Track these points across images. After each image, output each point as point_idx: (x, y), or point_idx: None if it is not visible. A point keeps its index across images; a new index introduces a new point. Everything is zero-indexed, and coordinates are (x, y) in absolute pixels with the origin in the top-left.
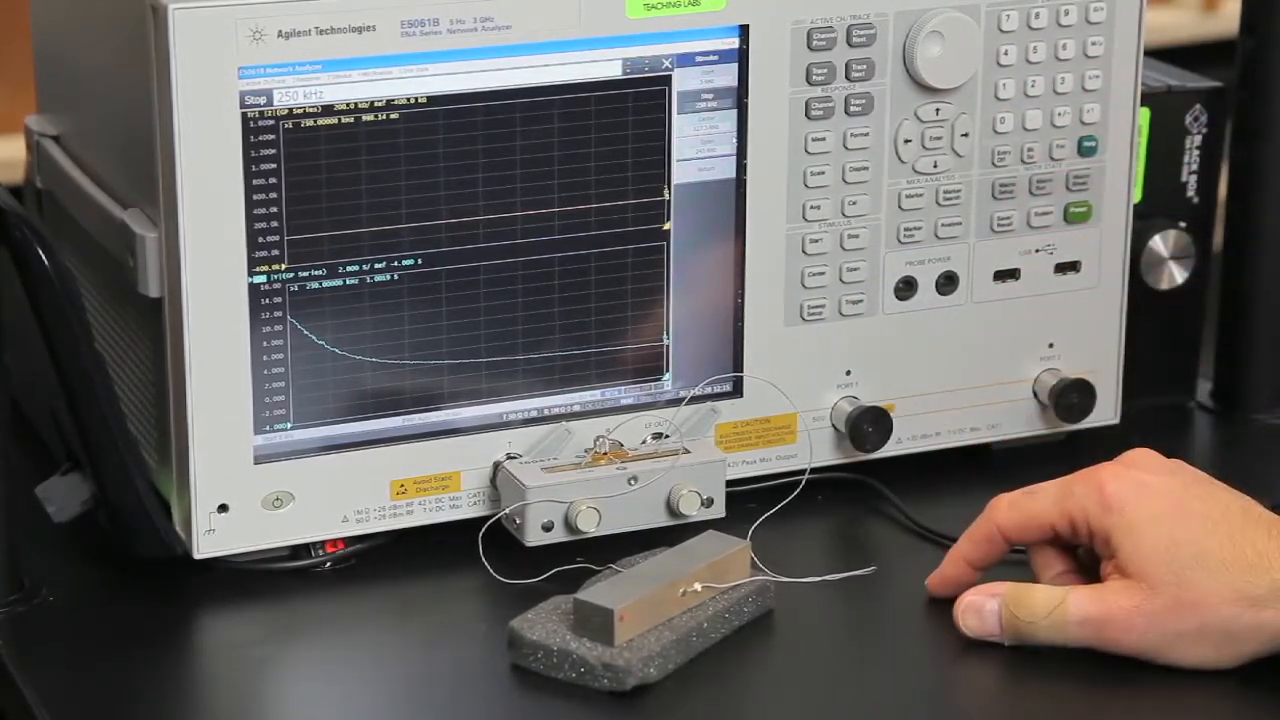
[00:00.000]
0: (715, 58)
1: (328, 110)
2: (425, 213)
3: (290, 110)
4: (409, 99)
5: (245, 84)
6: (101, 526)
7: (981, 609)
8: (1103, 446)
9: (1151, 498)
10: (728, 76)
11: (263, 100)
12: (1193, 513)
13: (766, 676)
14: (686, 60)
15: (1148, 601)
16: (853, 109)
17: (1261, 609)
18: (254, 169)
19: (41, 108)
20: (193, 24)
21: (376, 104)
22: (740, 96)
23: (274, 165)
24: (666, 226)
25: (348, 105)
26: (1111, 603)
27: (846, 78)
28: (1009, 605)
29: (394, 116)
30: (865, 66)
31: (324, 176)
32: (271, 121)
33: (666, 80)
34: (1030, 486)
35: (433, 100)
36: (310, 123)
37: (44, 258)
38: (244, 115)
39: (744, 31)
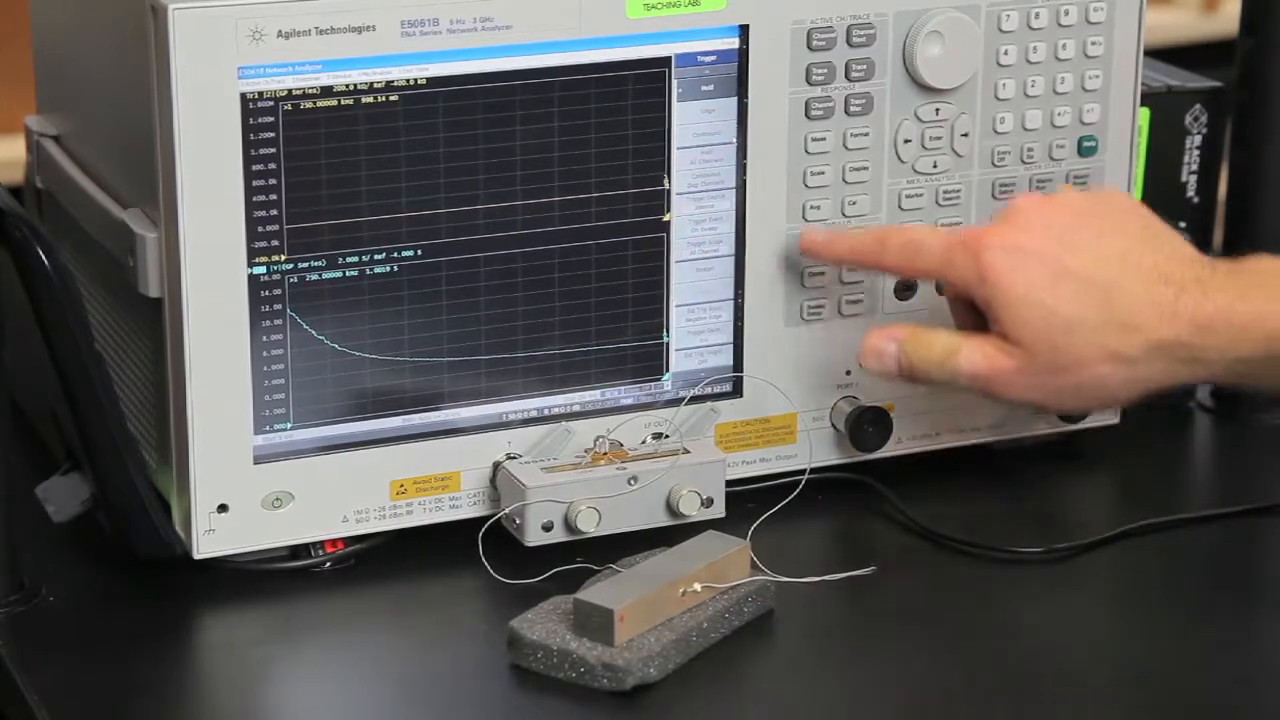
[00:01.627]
0: (715, 58)
1: (326, 92)
2: (424, 201)
3: (290, 92)
4: (408, 81)
5: (245, 84)
6: (101, 526)
7: (883, 353)
8: (1103, 446)
9: (1025, 266)
10: (728, 76)
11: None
12: (1067, 275)
13: (766, 676)
14: (687, 60)
15: (1027, 365)
16: (853, 109)
17: (1134, 366)
18: (253, 153)
19: (41, 108)
20: (193, 24)
21: (376, 85)
22: (740, 96)
23: (273, 150)
24: (667, 218)
25: (347, 87)
26: (996, 362)
27: (846, 78)
28: (906, 350)
29: (393, 99)
30: (865, 66)
31: (323, 162)
32: (271, 103)
33: (666, 78)
34: (918, 237)
35: (432, 82)
36: (309, 104)
37: (44, 258)
38: (243, 97)
39: (744, 31)
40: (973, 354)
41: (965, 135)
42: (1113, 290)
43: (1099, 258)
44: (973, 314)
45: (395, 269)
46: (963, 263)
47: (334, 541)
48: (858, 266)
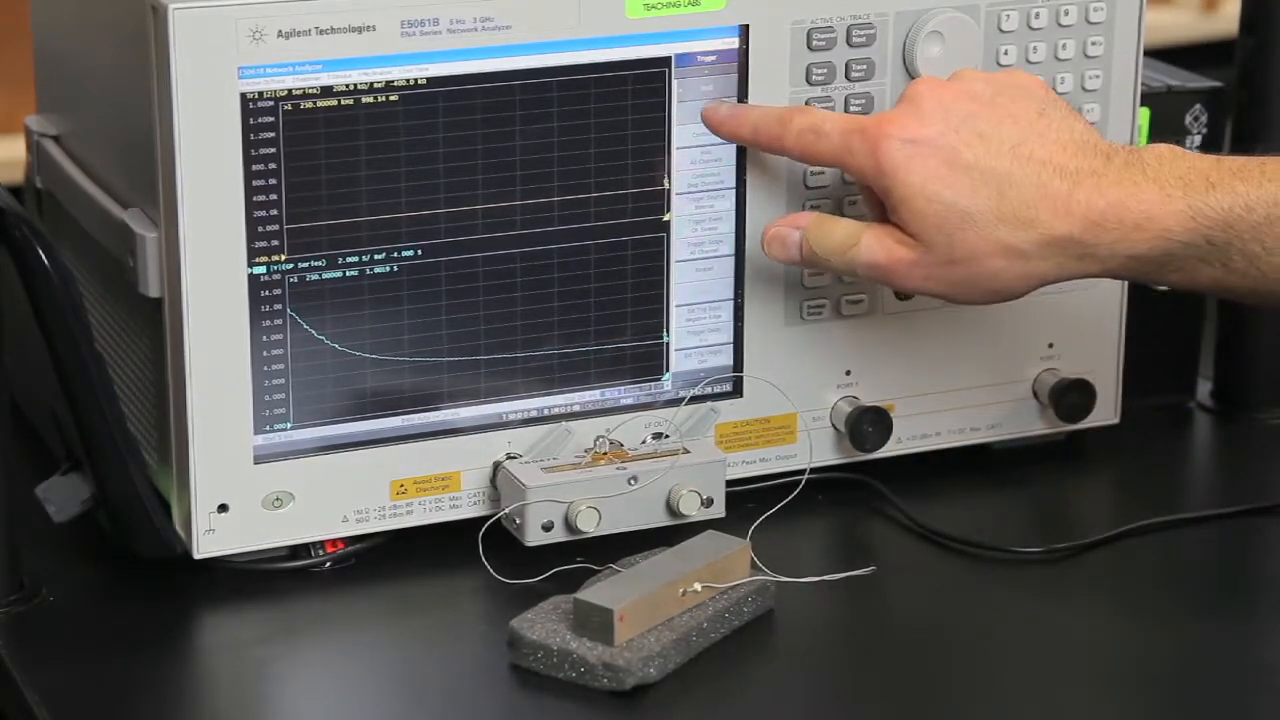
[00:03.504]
0: (715, 58)
1: (326, 92)
2: (424, 201)
3: (290, 92)
4: (408, 80)
5: (245, 84)
6: (101, 526)
7: (786, 240)
8: (1103, 446)
9: (921, 158)
10: (728, 77)
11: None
12: (962, 167)
13: (766, 676)
14: (686, 60)
15: (924, 257)
16: (853, 109)
17: (1028, 261)
18: (253, 153)
19: (41, 108)
20: (193, 24)
21: (376, 85)
22: (740, 97)
23: (273, 150)
24: (667, 218)
25: (347, 87)
26: (894, 253)
27: (846, 78)
28: (809, 238)
29: (393, 98)
30: (865, 66)
31: (323, 162)
32: (271, 103)
33: (666, 78)
34: (818, 121)
35: (432, 82)
36: (309, 104)
37: (44, 258)
38: (243, 96)
39: (744, 31)
40: (871, 244)
41: None
42: (1007, 183)
43: (995, 149)
44: (881, 201)
45: (395, 269)
46: (860, 151)
47: (334, 541)
48: (759, 147)
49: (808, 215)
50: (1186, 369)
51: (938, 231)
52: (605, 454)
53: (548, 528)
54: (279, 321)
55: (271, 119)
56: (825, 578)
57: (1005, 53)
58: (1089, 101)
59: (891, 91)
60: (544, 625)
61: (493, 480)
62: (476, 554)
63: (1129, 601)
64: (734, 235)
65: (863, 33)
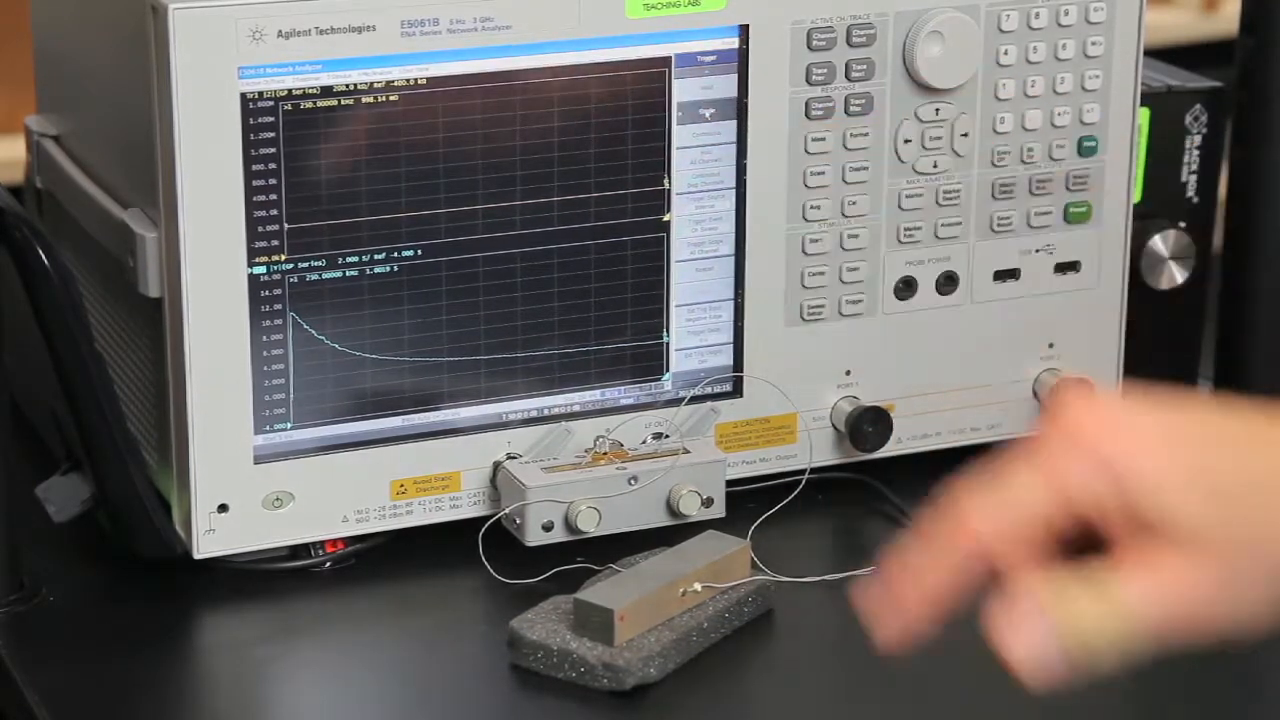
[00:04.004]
0: (715, 58)
1: (326, 92)
2: (424, 201)
3: (290, 92)
4: (408, 80)
5: (245, 84)
6: (101, 526)
7: (1046, 658)
8: None
9: (1159, 437)
10: (727, 77)
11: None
12: (1201, 429)
13: (766, 676)
14: (686, 60)
15: (1212, 559)
16: (853, 109)
17: None
18: (253, 153)
19: (41, 108)
20: (193, 24)
21: (376, 85)
22: (740, 96)
23: (273, 150)
24: (667, 218)
25: (347, 87)
26: (1178, 581)
27: (846, 78)
28: (1068, 638)
29: (393, 98)
30: (865, 66)
31: (323, 162)
32: (271, 103)
33: (666, 78)
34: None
35: (432, 82)
36: (309, 104)
37: (44, 258)
38: (243, 97)
39: (744, 31)
40: (1143, 591)
41: (965, 135)
42: (1264, 444)
43: (1221, 423)
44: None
45: (395, 269)
46: (1082, 471)
47: (334, 541)
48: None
49: (1035, 584)
50: (1186, 369)
51: (1218, 519)
52: (605, 454)
53: (548, 528)
54: (279, 321)
55: (271, 119)
56: (825, 578)
57: (1005, 53)
58: (1089, 101)
59: (892, 91)
60: (544, 625)
61: (493, 480)
62: (476, 554)
63: None
64: (734, 235)
65: (863, 33)
